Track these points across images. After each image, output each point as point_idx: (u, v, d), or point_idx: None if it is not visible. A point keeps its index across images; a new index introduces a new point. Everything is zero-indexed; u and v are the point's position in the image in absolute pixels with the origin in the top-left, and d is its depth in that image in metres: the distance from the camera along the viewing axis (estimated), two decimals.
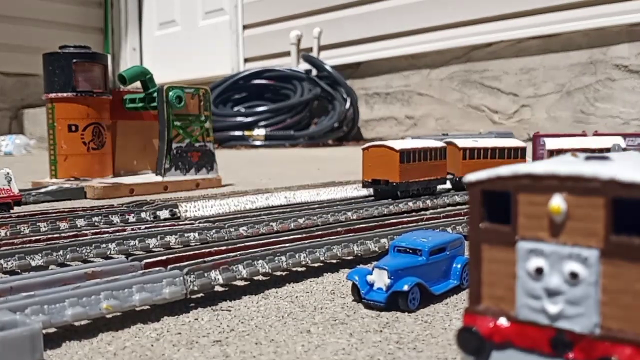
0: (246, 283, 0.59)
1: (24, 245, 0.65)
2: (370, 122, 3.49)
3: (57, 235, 0.72)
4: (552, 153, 1.00)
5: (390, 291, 0.50)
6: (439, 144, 1.08)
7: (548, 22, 2.74)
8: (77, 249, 0.66)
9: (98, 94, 1.41)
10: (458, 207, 1.00)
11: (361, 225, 0.74)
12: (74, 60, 1.38)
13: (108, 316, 0.48)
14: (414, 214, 0.90)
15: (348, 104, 3.37)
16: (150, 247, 0.71)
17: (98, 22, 4.79)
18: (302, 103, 3.36)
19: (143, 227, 0.77)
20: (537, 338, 0.30)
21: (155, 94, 1.43)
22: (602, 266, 0.28)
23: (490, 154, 1.11)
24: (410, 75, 3.29)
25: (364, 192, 1.12)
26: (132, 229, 0.76)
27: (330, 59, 3.52)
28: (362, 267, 0.56)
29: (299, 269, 0.63)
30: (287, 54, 3.73)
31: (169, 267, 0.53)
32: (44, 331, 0.40)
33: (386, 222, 0.77)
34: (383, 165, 0.99)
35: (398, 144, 1.00)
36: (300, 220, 0.84)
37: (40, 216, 0.84)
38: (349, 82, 3.45)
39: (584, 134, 1.25)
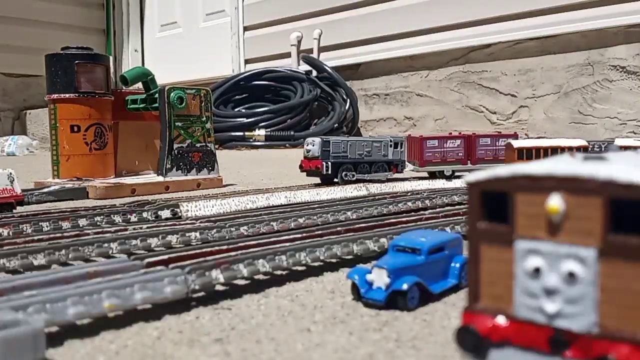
0: (247, 282, 0.59)
1: (27, 245, 0.65)
2: (370, 122, 3.49)
3: (60, 234, 0.72)
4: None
5: (390, 290, 0.50)
6: (574, 142, 1.18)
7: (546, 23, 2.74)
8: (79, 248, 0.66)
9: (100, 94, 1.42)
10: (457, 207, 1.01)
11: (361, 225, 0.75)
12: (76, 62, 1.39)
13: (110, 315, 0.48)
14: (412, 213, 0.90)
15: (348, 105, 3.37)
16: (152, 246, 0.72)
17: (100, 23, 4.78)
18: (302, 104, 3.36)
19: (145, 226, 0.78)
20: (535, 337, 0.31)
21: (156, 95, 1.43)
22: (599, 265, 0.29)
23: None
24: (409, 77, 3.29)
25: (364, 192, 1.12)
26: (134, 229, 0.76)
27: (330, 60, 3.52)
28: (361, 266, 0.56)
29: (299, 268, 0.63)
30: (288, 55, 3.73)
31: (170, 266, 0.53)
32: (46, 330, 0.41)
33: (385, 221, 0.77)
34: (510, 160, 1.20)
35: (519, 143, 1.19)
36: (301, 220, 0.84)
37: (42, 216, 0.84)
38: (349, 83, 3.45)
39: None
